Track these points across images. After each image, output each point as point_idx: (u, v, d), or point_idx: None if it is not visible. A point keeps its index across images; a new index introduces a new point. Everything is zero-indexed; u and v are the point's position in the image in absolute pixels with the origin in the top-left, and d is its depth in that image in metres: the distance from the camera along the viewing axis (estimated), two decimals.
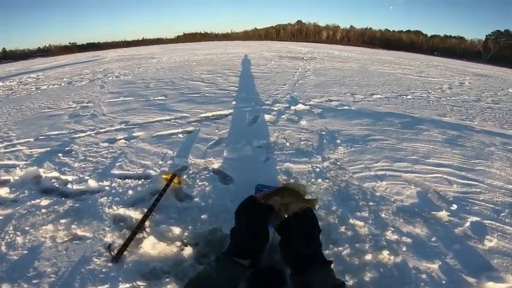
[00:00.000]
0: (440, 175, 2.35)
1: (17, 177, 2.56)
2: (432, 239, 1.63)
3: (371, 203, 1.92)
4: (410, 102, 5.03)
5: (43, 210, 2.01)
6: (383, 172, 2.34)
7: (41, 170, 2.64)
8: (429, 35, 60.75)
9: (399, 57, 19.05)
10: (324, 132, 3.15)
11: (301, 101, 4.43)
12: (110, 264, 1.52)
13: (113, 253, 1.58)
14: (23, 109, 5.12)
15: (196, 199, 2.03)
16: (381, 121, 3.64)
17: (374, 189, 2.09)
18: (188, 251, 1.58)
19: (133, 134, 3.29)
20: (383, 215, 1.81)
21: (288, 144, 2.81)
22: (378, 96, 5.32)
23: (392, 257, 1.47)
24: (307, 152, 2.65)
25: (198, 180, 2.24)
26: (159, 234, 1.69)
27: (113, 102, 4.98)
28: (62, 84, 8.00)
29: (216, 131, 3.20)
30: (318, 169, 2.35)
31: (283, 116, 3.60)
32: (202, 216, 1.82)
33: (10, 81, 10.24)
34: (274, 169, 2.35)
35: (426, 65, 13.71)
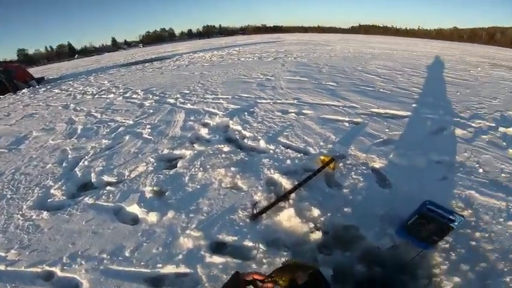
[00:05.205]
0: None
1: (214, 123, 3.43)
2: None
3: None
4: None
5: (223, 155, 2.54)
6: None
7: (230, 122, 3.41)
8: None
9: None
10: None
11: None
12: (248, 220, 1.73)
13: (255, 211, 1.78)
14: (228, 74, 6.71)
15: (344, 190, 1.98)
16: None
17: None
18: (316, 236, 1.57)
19: (303, 111, 3.56)
20: None
21: (481, 170, 2.16)
22: None
23: None
24: (507, 188, 1.94)
25: (352, 173, 2.16)
26: (298, 210, 1.76)
27: (290, 79, 5.56)
28: (254, 58, 9.78)
29: (387, 130, 2.91)
30: None
31: (483, 136, 2.75)
32: (344, 209, 1.76)
33: (222, 51, 13.63)
34: (450, 192, 1.90)
35: None
